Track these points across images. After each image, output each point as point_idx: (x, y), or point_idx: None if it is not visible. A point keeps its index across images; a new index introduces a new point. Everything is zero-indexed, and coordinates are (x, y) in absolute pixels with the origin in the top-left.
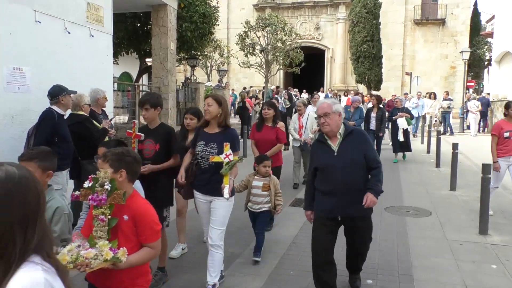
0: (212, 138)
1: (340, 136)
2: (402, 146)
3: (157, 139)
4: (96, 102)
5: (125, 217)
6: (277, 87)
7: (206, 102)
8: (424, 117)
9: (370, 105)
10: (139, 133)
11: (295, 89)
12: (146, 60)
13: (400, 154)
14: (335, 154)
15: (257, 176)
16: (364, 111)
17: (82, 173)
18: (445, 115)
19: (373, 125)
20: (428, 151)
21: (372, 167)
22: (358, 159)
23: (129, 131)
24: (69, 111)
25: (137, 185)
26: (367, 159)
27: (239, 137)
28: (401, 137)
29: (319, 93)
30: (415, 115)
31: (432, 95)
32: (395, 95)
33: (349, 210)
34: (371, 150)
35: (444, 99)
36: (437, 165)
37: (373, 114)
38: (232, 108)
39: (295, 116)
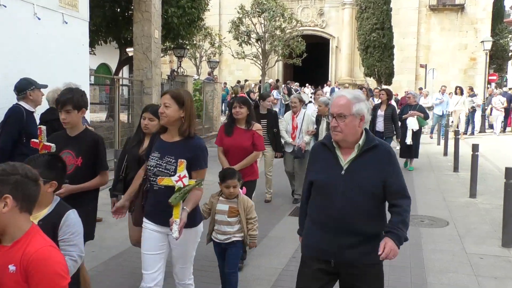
0: (170, 149)
1: (358, 149)
2: (409, 151)
3: (79, 150)
4: None
5: (11, 267)
6: (277, 80)
7: (163, 102)
8: (446, 115)
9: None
10: (48, 143)
11: (296, 83)
12: (127, 50)
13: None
14: (343, 172)
15: (222, 197)
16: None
17: None
18: (471, 112)
19: (380, 126)
20: (445, 153)
21: (395, 203)
22: (373, 186)
23: (35, 140)
24: (42, 106)
25: (71, 216)
26: (389, 189)
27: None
28: (409, 140)
29: (324, 88)
30: (439, 113)
31: (458, 90)
32: (408, 91)
33: (348, 254)
34: (397, 176)
35: (468, 95)
36: (455, 169)
37: (380, 112)
38: (223, 104)
39: (288, 115)
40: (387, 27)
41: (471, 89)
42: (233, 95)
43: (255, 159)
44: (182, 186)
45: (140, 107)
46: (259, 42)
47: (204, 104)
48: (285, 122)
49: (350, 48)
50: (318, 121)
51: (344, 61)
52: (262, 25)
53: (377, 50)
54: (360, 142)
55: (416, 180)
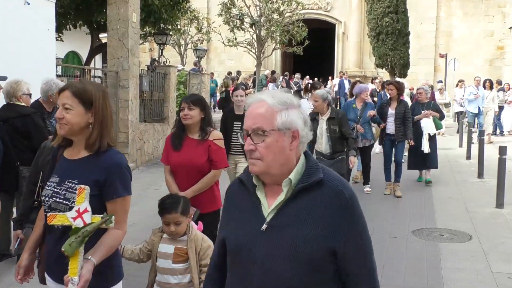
0: (72, 169)
1: (289, 187)
2: (424, 161)
3: None
4: (47, 98)
5: None
6: (273, 72)
7: (61, 103)
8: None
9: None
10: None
11: (296, 75)
12: (100, 36)
13: (422, 173)
14: (264, 227)
15: (166, 235)
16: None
17: (20, 184)
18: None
19: (390, 127)
20: (468, 157)
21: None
22: (312, 254)
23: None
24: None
25: None
26: (342, 269)
27: (129, 167)
28: (426, 147)
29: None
30: (474, 110)
31: (488, 84)
32: (425, 83)
33: None
34: (357, 246)
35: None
36: (480, 175)
37: (390, 111)
38: (212, 99)
39: None
40: (401, 10)
41: (499, 82)
42: (223, 89)
43: (213, 180)
44: (81, 225)
45: (115, 102)
46: (253, 27)
47: None
48: None
49: (359, 35)
50: (314, 121)
51: (352, 50)
52: (257, 7)
53: (390, 37)
54: (292, 176)
55: (435, 188)
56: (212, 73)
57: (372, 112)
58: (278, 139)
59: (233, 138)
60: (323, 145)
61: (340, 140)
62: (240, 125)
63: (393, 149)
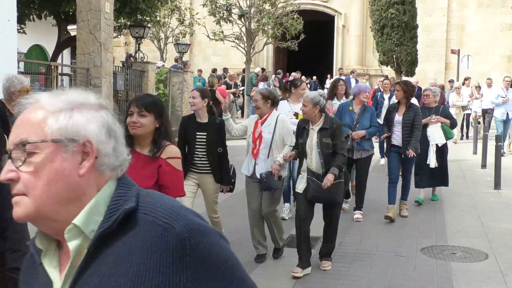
0: None
1: (82, 238)
2: (433, 177)
3: None
4: (10, 96)
5: None
6: (263, 69)
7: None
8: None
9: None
10: None
11: (294, 73)
12: (68, 28)
13: (426, 190)
14: None
15: None
16: (383, 109)
17: None
18: None
19: (397, 137)
20: (484, 165)
21: None
22: None
23: None
24: None
25: None
26: None
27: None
28: (433, 161)
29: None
30: (501, 117)
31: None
32: (433, 83)
33: None
34: None
35: None
36: (497, 185)
37: (397, 117)
38: None
39: (252, 119)
40: (408, 1)
41: None
42: (208, 90)
43: None
44: None
45: None
46: (242, 19)
47: (170, 100)
48: (244, 128)
49: (361, 28)
50: (301, 131)
51: (353, 45)
52: None
53: (396, 30)
54: (79, 218)
55: (446, 200)
56: (200, 70)
57: (361, 133)
58: (53, 157)
59: (196, 152)
60: (313, 162)
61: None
62: (204, 136)
63: (401, 164)
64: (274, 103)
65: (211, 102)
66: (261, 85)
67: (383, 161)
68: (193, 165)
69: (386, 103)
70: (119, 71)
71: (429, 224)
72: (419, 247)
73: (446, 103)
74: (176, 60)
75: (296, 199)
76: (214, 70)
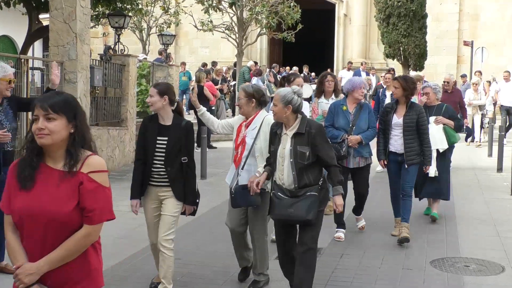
0: None
1: None
2: (432, 187)
3: None
4: None
5: None
6: (256, 63)
7: None
8: None
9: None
10: None
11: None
12: (40, 17)
13: (426, 203)
14: None
15: None
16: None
17: None
18: None
19: (396, 144)
20: (500, 169)
21: None
22: None
23: None
24: None
25: None
26: None
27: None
28: (433, 170)
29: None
30: None
31: None
32: (448, 79)
33: None
34: None
35: None
36: None
37: (396, 119)
38: (184, 97)
39: (237, 120)
40: None
41: None
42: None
43: (87, 243)
44: None
45: None
46: (233, 7)
47: None
48: (224, 127)
49: (364, 17)
50: (273, 136)
51: (356, 36)
52: None
53: (403, 20)
54: None
55: (458, 206)
56: (184, 63)
57: (356, 139)
58: None
59: (154, 161)
60: (284, 175)
61: (312, 169)
62: (165, 141)
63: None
64: (261, 103)
65: (177, 99)
66: (254, 80)
67: (380, 167)
68: (152, 178)
69: (387, 101)
70: (96, 65)
71: (439, 234)
72: (428, 259)
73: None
74: (160, 53)
75: (274, 226)
76: (204, 64)
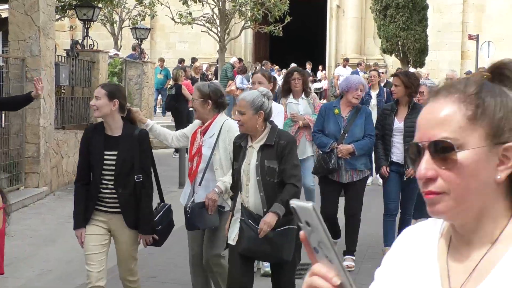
0: None
1: None
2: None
3: None
4: None
5: None
6: (240, 59)
7: None
8: None
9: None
10: None
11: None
12: None
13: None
14: None
15: None
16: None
17: None
18: None
19: (397, 151)
20: None
21: None
22: None
23: None
24: None
25: None
26: None
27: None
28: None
29: (339, 69)
30: None
31: None
32: (452, 74)
33: None
34: None
35: None
36: None
37: (397, 123)
38: (160, 96)
39: (191, 127)
40: None
41: None
42: (173, 84)
43: None
44: None
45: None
46: None
47: (126, 96)
48: (178, 140)
49: (359, 9)
50: (236, 151)
51: (350, 30)
52: None
53: (402, 12)
54: None
55: None
56: (162, 60)
57: (346, 149)
58: None
59: (103, 181)
60: (250, 197)
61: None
62: (115, 156)
63: (402, 189)
64: (218, 105)
65: (128, 106)
66: (239, 79)
67: (371, 179)
68: (100, 201)
69: (373, 102)
70: (62, 62)
71: None
72: None
73: None
74: (133, 48)
75: (229, 255)
76: (181, 61)
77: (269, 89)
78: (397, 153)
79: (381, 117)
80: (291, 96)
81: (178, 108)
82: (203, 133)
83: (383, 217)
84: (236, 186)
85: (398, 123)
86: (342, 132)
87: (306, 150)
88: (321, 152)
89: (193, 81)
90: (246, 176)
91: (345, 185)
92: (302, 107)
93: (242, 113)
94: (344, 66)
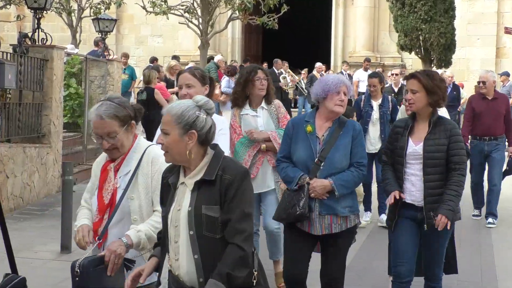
0: None
1: None
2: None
3: None
4: None
5: None
6: (211, 58)
7: None
8: None
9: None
10: None
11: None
12: None
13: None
14: None
15: None
16: (370, 127)
17: None
18: None
19: (413, 189)
20: None
21: None
22: None
23: None
24: None
25: None
26: None
27: None
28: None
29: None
30: None
31: None
32: (487, 76)
33: None
34: None
35: None
36: None
37: (413, 145)
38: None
39: (97, 163)
40: None
41: None
42: (143, 87)
43: None
44: None
45: None
46: None
47: (87, 104)
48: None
49: None
50: (165, 190)
51: (360, 21)
52: None
53: (424, 0)
54: None
55: (496, 234)
56: (126, 55)
57: (322, 186)
58: None
59: None
60: (180, 261)
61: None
62: None
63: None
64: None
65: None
66: (225, 81)
67: (368, 217)
68: None
69: (375, 116)
70: (8, 60)
71: (473, 267)
72: None
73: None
74: (96, 44)
75: None
76: (154, 59)
77: (204, 95)
78: (412, 191)
79: (391, 138)
80: (247, 105)
81: (149, 116)
82: (116, 169)
83: (391, 286)
84: (163, 242)
85: (414, 146)
86: (316, 159)
87: (268, 180)
88: (287, 189)
89: (168, 83)
90: (175, 228)
91: (320, 238)
92: (263, 120)
93: (166, 133)
94: (365, 69)
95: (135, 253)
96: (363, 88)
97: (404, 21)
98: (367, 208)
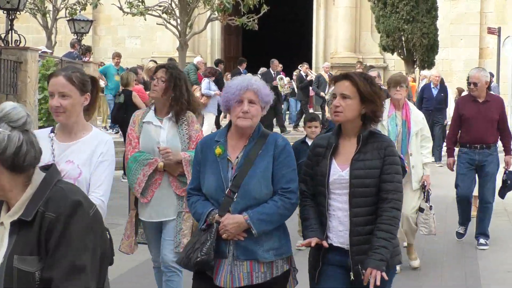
0: None
1: None
2: None
3: None
4: None
5: None
6: (218, 61)
7: None
8: None
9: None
10: None
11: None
12: None
13: None
14: None
15: None
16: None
17: None
18: None
19: (341, 227)
20: None
21: None
22: None
23: None
24: None
25: None
26: None
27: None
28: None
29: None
30: None
31: None
32: (478, 76)
33: None
34: None
35: None
36: None
37: (339, 170)
38: (108, 106)
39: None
40: None
41: None
42: (120, 90)
43: None
44: None
45: None
46: None
47: None
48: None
49: None
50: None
51: (342, 21)
52: None
53: (406, 0)
54: None
55: (483, 255)
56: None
57: (233, 223)
58: None
59: None
60: None
61: None
62: None
63: None
64: None
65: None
66: (205, 83)
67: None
68: None
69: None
70: None
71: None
72: None
73: None
74: (72, 45)
75: None
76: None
77: (83, 106)
78: (340, 230)
79: (310, 160)
80: (151, 112)
81: (127, 119)
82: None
83: None
84: None
85: (340, 171)
86: (227, 190)
87: (166, 208)
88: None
89: (146, 86)
90: None
91: None
92: (167, 135)
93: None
94: (308, 74)
95: None
96: None
97: (386, 21)
98: None
